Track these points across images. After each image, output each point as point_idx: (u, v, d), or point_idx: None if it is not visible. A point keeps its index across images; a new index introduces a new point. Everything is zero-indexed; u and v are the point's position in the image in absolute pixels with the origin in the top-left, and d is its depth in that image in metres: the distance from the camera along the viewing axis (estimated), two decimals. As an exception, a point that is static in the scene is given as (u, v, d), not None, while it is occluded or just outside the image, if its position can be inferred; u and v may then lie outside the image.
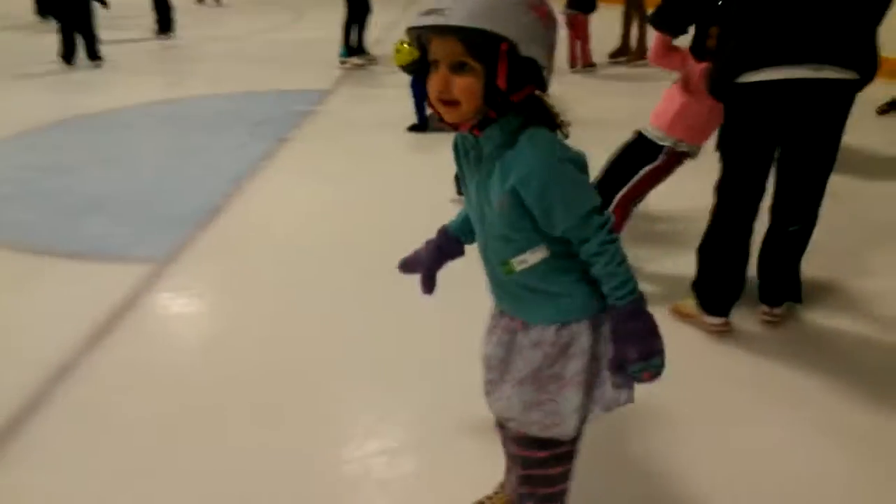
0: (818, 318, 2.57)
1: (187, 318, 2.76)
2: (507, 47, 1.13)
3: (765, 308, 2.54)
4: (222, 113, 5.62)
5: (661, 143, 2.73)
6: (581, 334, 1.29)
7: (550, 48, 1.20)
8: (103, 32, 7.69)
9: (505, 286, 1.33)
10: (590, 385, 1.32)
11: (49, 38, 7.81)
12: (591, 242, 1.21)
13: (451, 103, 1.18)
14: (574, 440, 1.39)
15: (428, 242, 1.50)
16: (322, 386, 2.24)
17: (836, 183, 2.39)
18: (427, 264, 1.48)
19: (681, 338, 2.38)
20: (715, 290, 2.48)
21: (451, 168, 1.37)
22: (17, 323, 2.64)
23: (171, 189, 4.00)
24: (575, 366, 1.30)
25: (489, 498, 1.71)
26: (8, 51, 8.72)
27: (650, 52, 2.76)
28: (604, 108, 3.00)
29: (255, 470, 1.88)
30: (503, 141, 1.20)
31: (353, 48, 7.31)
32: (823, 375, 2.24)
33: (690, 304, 2.54)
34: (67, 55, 7.45)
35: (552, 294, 1.29)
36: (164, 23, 9.27)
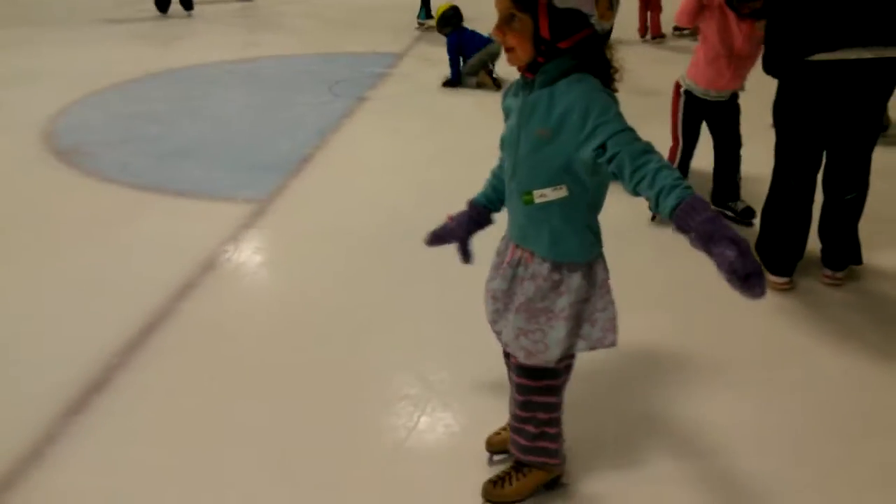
0: (878, 278, 2.71)
1: (277, 260, 3.01)
2: (546, 1, 1.31)
3: (827, 272, 2.69)
4: (302, 72, 5.90)
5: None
6: (573, 276, 1.46)
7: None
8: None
9: (519, 214, 1.51)
10: (577, 323, 1.48)
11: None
12: (631, 146, 1.27)
13: (510, 50, 1.38)
14: (562, 373, 1.59)
15: (455, 217, 1.69)
16: (394, 322, 2.51)
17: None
18: (461, 235, 1.68)
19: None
20: (778, 252, 2.65)
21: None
22: (129, 251, 2.95)
23: (261, 139, 4.30)
24: (563, 302, 1.47)
25: (504, 429, 1.84)
26: None
27: (679, 12, 3.02)
28: (667, 79, 3.16)
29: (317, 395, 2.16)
30: (555, 77, 1.38)
31: (430, 11, 7.53)
32: (880, 327, 2.41)
33: (753, 264, 2.72)
34: (162, 4, 7.85)
35: (555, 234, 1.46)
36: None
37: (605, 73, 1.40)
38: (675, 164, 3.03)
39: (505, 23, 1.36)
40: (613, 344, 1.51)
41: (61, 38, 7.21)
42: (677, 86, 3.10)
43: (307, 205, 3.41)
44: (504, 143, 1.51)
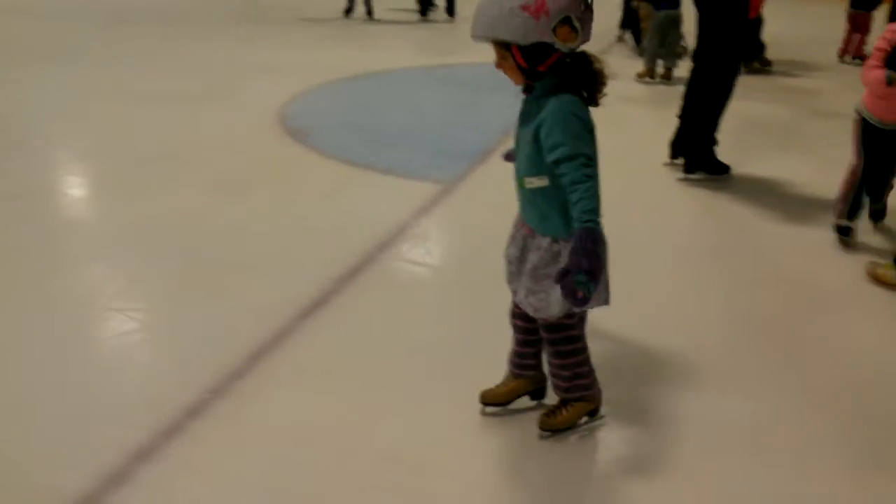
0: None
1: (460, 232, 3.61)
2: (515, 44, 1.66)
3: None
4: (487, 78, 6.47)
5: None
6: (566, 249, 1.73)
7: (553, 28, 1.62)
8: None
9: (521, 198, 1.88)
10: None
11: None
12: (574, 173, 1.65)
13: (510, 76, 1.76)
14: (577, 324, 1.93)
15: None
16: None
17: None
18: None
19: (880, 301, 2.84)
20: None
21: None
22: (343, 211, 3.67)
23: (453, 131, 4.96)
24: None
25: (498, 386, 2.15)
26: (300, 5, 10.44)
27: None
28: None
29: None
30: (541, 94, 1.74)
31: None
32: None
33: (892, 273, 2.91)
34: (349, 9, 9.14)
35: (546, 214, 1.81)
36: (450, 7, 10.15)
37: (589, 86, 1.74)
38: (857, 179, 3.24)
39: (498, 62, 1.76)
40: (606, 303, 1.86)
41: (295, 37, 8.41)
42: (857, 112, 3.25)
43: (485, 188, 3.97)
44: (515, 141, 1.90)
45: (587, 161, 1.67)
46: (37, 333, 2.57)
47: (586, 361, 2.02)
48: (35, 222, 3.49)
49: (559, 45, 1.67)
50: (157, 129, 4.94)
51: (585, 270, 1.59)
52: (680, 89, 4.21)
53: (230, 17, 9.44)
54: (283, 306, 2.72)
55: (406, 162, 4.35)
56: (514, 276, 1.96)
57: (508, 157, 2.01)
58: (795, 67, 7.09)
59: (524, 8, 1.62)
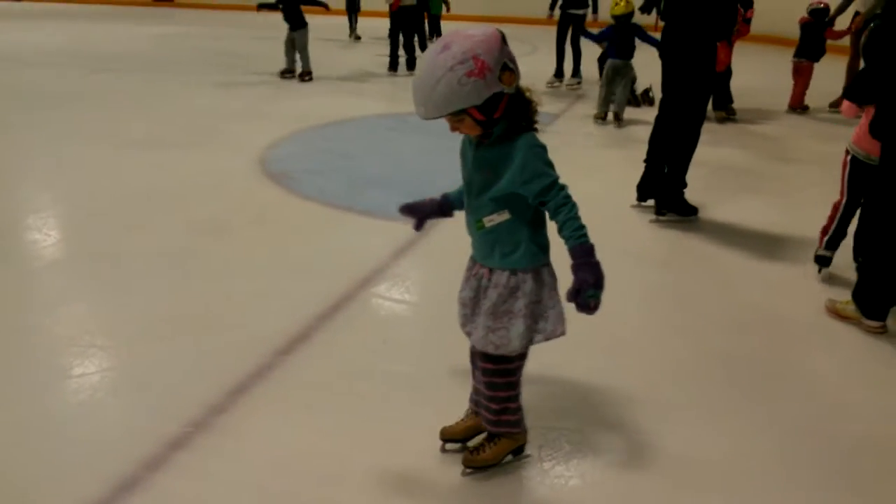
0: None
1: (437, 271, 3.67)
2: (473, 107, 1.73)
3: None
4: (541, 103, 6.72)
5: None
6: (526, 281, 1.85)
7: (498, 80, 1.71)
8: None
9: (477, 239, 1.92)
10: (534, 319, 1.88)
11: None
12: (557, 199, 1.77)
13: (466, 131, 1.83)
14: (515, 360, 1.96)
15: (428, 200, 2.11)
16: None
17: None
18: (426, 213, 2.12)
19: (840, 333, 2.98)
20: (876, 299, 2.98)
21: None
22: (324, 251, 3.75)
23: (428, 176, 5.04)
24: (520, 303, 1.86)
25: (458, 423, 2.20)
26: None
27: (843, 109, 3.39)
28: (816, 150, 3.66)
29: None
30: (498, 136, 1.81)
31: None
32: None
33: (850, 308, 3.05)
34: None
35: (507, 248, 1.86)
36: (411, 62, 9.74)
37: (528, 113, 1.82)
38: (838, 215, 3.41)
39: (453, 126, 1.82)
40: (563, 334, 1.91)
41: (273, 85, 8.56)
42: (847, 151, 3.39)
43: (461, 229, 4.01)
44: (463, 183, 1.95)
45: (561, 185, 1.80)
46: (19, 370, 2.60)
47: (516, 398, 2.06)
48: (15, 261, 3.54)
49: (507, 89, 1.76)
50: (141, 172, 5.01)
51: (593, 284, 1.72)
52: (634, 131, 4.39)
53: (210, 66, 9.59)
54: (265, 341, 2.77)
55: (383, 205, 4.44)
56: (467, 318, 2.00)
57: (407, 209, 2.12)
58: (756, 115, 7.39)
59: (469, 74, 1.69)
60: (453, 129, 1.83)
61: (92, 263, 3.55)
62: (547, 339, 1.91)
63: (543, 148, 1.83)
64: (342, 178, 5.01)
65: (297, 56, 8.75)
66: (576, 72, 8.72)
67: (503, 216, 1.86)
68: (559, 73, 8.72)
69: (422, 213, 2.14)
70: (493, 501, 2.04)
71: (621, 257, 3.66)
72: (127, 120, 6.61)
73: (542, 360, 2.20)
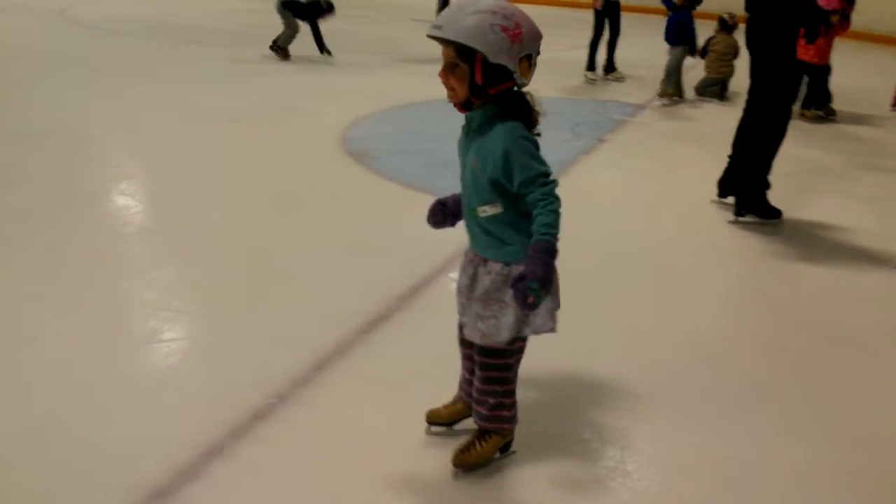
0: None
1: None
2: (482, 56, 1.69)
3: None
4: (548, 112, 6.60)
5: None
6: (518, 272, 1.75)
7: (519, 59, 1.71)
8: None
9: (473, 229, 1.90)
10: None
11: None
12: (536, 193, 1.72)
13: (451, 89, 1.78)
14: (514, 354, 1.94)
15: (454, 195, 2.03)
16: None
17: None
18: (449, 218, 2.07)
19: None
20: None
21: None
22: (399, 231, 3.74)
23: (509, 163, 5.03)
24: (512, 294, 1.76)
25: (445, 406, 2.19)
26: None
27: None
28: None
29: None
30: (484, 121, 1.78)
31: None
32: None
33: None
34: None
35: (501, 240, 1.84)
36: None
37: (527, 117, 1.79)
38: None
39: (449, 69, 1.76)
40: (553, 330, 1.89)
41: (358, 64, 8.62)
42: None
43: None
44: (461, 172, 1.92)
45: (545, 180, 1.75)
46: (112, 331, 2.70)
47: (512, 393, 2.02)
48: (109, 225, 3.68)
49: (517, 76, 1.75)
50: (222, 144, 5.13)
51: (539, 278, 1.67)
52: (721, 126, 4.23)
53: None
54: (345, 319, 2.80)
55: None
56: (464, 306, 1.98)
57: (440, 209, 2.07)
58: (853, 116, 7.04)
59: (504, 28, 1.69)
60: (443, 72, 1.78)
61: (178, 231, 3.65)
62: (535, 332, 1.89)
63: (529, 139, 1.79)
64: (421, 159, 5.01)
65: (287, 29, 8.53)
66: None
67: (496, 208, 1.83)
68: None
69: (448, 217, 2.09)
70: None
71: (698, 258, 3.55)
72: (209, 91, 6.77)
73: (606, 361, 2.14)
